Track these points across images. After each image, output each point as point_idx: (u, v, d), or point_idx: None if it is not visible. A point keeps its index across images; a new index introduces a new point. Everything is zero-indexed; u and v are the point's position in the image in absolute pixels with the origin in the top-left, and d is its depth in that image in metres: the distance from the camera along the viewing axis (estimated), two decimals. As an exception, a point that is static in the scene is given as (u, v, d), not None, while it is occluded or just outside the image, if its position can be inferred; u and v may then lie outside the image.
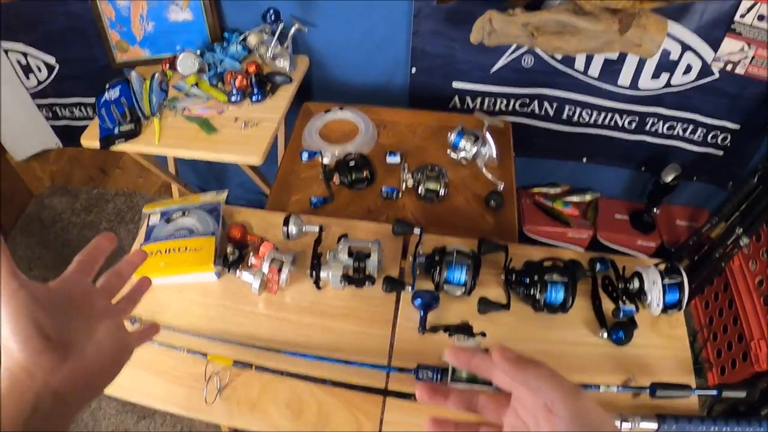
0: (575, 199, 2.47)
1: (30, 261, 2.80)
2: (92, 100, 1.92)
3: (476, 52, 1.97)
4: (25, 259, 2.81)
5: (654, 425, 1.07)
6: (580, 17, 1.61)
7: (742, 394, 1.18)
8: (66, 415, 0.62)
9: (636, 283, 1.27)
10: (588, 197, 2.47)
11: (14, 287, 0.59)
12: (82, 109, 2.59)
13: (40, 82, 2.51)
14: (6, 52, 2.39)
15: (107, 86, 1.93)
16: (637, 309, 1.26)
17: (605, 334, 1.23)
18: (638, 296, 1.28)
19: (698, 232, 2.20)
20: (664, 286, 1.23)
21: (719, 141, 2.17)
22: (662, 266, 1.26)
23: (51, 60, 2.39)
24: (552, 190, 2.49)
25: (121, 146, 1.80)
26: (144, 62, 2.11)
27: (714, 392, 1.17)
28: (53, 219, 2.99)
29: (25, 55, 2.38)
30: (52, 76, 2.46)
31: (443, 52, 2.01)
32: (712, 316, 2.29)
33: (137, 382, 1.21)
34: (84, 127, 1.88)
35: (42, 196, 3.10)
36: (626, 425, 1.06)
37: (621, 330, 1.22)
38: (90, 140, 1.83)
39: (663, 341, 1.25)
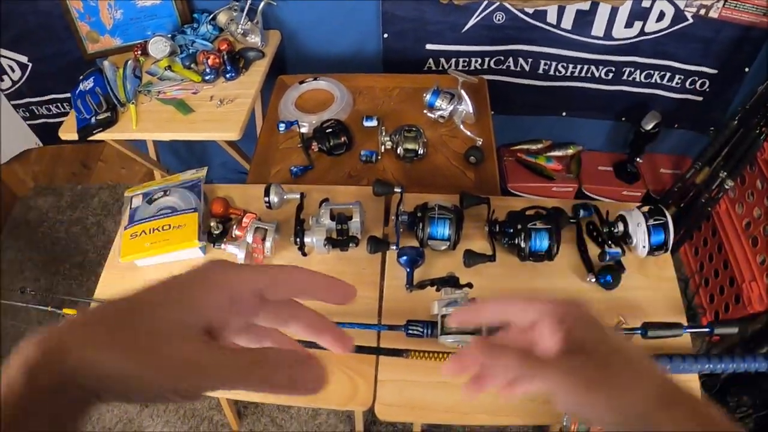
0: (558, 153, 2.47)
1: (21, 263, 2.79)
2: (68, 95, 1.91)
3: (447, 12, 1.96)
4: (15, 263, 2.80)
5: (648, 365, 1.08)
6: (547, -33, 1.61)
7: (734, 330, 1.19)
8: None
9: (621, 227, 1.28)
10: (570, 151, 2.48)
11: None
12: (59, 105, 2.57)
13: (14, 83, 2.48)
14: (-22, 54, 2.37)
15: (81, 77, 1.92)
16: (623, 252, 1.26)
17: (593, 279, 1.24)
18: (624, 239, 1.29)
19: (682, 179, 2.21)
20: (648, 227, 1.24)
21: (698, 87, 2.16)
22: (645, 208, 1.27)
23: (23, 59, 2.36)
24: (534, 146, 2.49)
25: (99, 135, 1.79)
26: (116, 51, 2.09)
27: (706, 329, 1.18)
28: (40, 219, 2.97)
29: (-4, 56, 2.36)
30: (26, 76, 2.43)
31: (414, 15, 2.00)
32: (702, 262, 2.30)
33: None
34: (62, 124, 1.87)
35: (26, 198, 3.08)
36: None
37: (609, 274, 1.23)
38: (68, 133, 1.82)
39: (652, 283, 1.27)
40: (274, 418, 2.18)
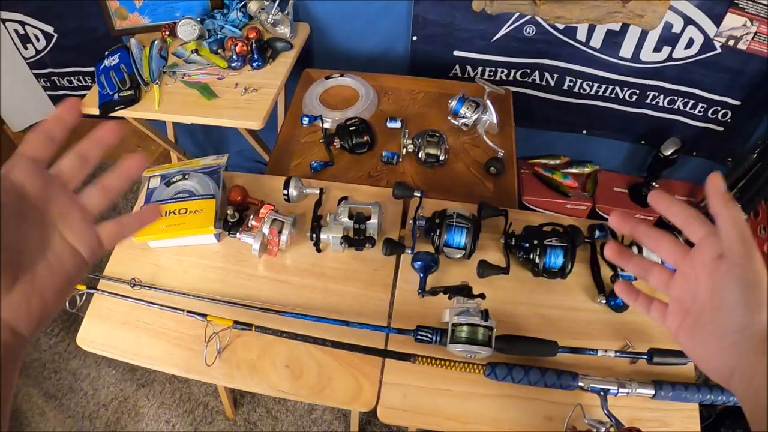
0: (575, 171, 2.47)
1: (28, 231, 2.79)
2: (91, 69, 1.91)
3: (477, 20, 1.96)
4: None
5: (651, 391, 1.07)
6: (584, -15, 1.61)
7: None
8: (18, 347, 0.50)
9: (635, 250, 1.27)
10: (587, 169, 2.47)
11: None
12: (81, 78, 2.58)
13: (38, 52, 2.48)
14: (3, 21, 2.36)
15: (106, 53, 1.92)
16: (636, 276, 1.25)
17: (603, 301, 1.24)
18: (637, 263, 1.28)
19: (697, 207, 2.20)
20: (662, 253, 1.23)
21: (720, 116, 2.16)
22: (661, 234, 1.26)
23: (49, 29, 2.36)
24: (552, 162, 2.49)
25: (121, 112, 1.79)
26: (143, 29, 2.09)
27: (710, 360, 1.17)
28: (52, 190, 2.96)
29: (22, 24, 2.36)
30: (50, 46, 2.44)
31: (445, 20, 2.00)
32: (709, 291, 2.29)
33: (137, 344, 1.22)
34: (82, 97, 1.86)
35: (40, 167, 3.08)
36: (623, 391, 1.06)
37: (619, 297, 1.22)
38: (89, 107, 1.82)
39: (661, 309, 1.26)
40: (270, 409, 2.18)
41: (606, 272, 1.30)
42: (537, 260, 1.24)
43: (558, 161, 2.49)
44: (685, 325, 0.64)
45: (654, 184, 2.36)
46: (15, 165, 0.51)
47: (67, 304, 1.29)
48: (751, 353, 0.56)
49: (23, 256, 0.50)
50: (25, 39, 2.42)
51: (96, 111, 1.81)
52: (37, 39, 2.42)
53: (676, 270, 0.66)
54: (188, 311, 1.22)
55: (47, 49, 2.46)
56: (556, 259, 1.23)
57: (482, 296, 1.14)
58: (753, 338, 0.57)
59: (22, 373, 2.37)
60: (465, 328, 1.08)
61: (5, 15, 2.34)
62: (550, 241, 1.24)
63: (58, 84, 2.63)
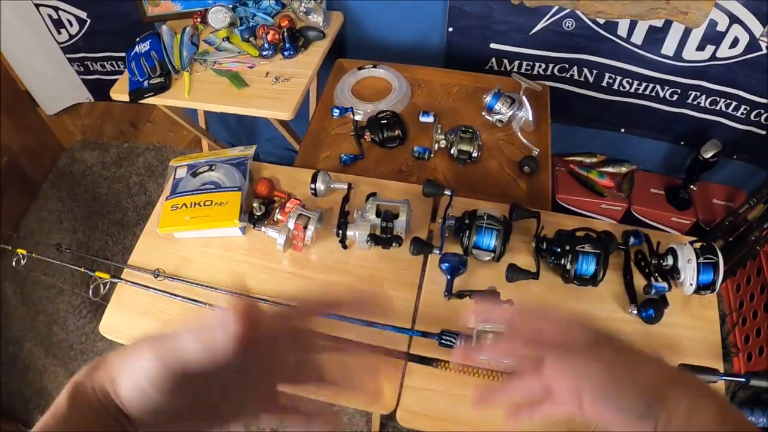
0: (611, 170, 2.41)
1: (60, 214, 2.83)
2: (123, 54, 1.91)
3: (515, 13, 1.92)
4: (55, 213, 2.84)
5: (679, 408, 1.04)
6: (627, -20, 1.55)
7: (769, 384, 1.15)
8: None
9: (670, 260, 1.24)
10: (624, 169, 2.41)
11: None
12: (113, 63, 2.59)
13: (71, 37, 2.50)
14: (37, 6, 2.38)
15: (137, 40, 1.91)
16: (670, 287, 1.21)
17: (635, 311, 1.20)
18: (671, 274, 1.24)
19: (735, 213, 2.14)
20: (698, 265, 1.19)
21: (763, 119, 2.08)
22: (698, 245, 1.22)
23: (82, 14, 2.38)
24: (588, 160, 2.43)
25: (150, 99, 1.79)
26: (175, 16, 2.09)
27: (742, 379, 1.14)
28: (84, 173, 3.00)
29: (56, 9, 2.38)
30: (83, 31, 2.45)
31: (481, 11, 1.96)
32: (742, 300, 2.22)
33: (158, 335, 1.21)
34: (115, 81, 1.87)
35: (73, 150, 3.11)
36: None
37: (651, 308, 1.18)
38: (120, 93, 1.83)
39: (693, 322, 1.22)
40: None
41: (639, 281, 1.26)
42: (568, 266, 1.20)
43: (594, 159, 2.43)
44: None
45: (692, 186, 2.30)
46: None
47: (90, 292, 1.29)
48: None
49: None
50: (58, 24, 2.44)
51: (126, 98, 1.81)
52: (71, 24, 2.43)
53: None
54: (210, 305, 1.21)
55: (80, 34, 2.47)
56: (588, 266, 1.20)
57: (510, 302, 1.11)
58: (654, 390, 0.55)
59: (48, 353, 2.39)
60: (490, 335, 1.05)
61: (39, 0, 2.35)
62: (583, 247, 1.20)
63: (92, 68, 2.65)
